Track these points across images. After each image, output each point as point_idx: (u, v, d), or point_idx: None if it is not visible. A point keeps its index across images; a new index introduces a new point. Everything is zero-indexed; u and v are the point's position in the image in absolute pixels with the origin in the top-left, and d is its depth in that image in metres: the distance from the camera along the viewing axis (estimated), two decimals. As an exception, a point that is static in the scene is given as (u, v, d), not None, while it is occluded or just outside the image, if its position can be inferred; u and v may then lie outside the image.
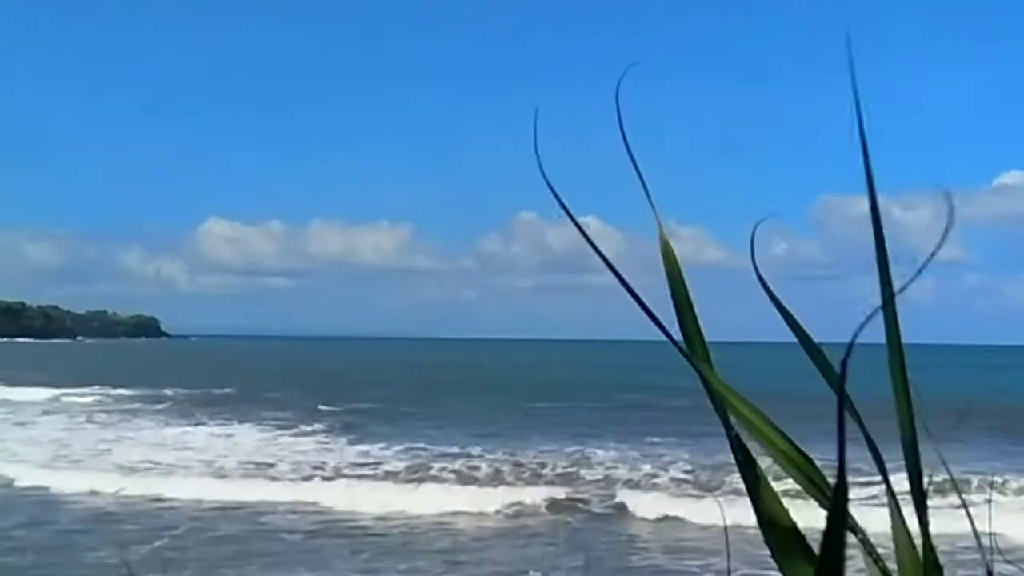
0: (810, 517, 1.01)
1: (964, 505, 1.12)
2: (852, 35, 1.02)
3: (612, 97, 1.08)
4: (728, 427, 1.02)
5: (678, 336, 1.06)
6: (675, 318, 1.07)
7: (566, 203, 1.07)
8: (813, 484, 0.99)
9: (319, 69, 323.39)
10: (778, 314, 1.07)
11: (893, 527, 0.97)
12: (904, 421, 0.98)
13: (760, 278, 1.06)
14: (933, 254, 0.87)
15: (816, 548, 0.98)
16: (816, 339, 1.06)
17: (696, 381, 1.04)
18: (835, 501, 0.76)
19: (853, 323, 0.89)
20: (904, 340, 0.98)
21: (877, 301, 0.94)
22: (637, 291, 1.04)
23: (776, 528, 0.99)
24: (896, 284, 0.95)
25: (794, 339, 1.06)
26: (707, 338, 1.08)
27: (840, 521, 0.75)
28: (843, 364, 0.82)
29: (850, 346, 0.81)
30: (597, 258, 1.06)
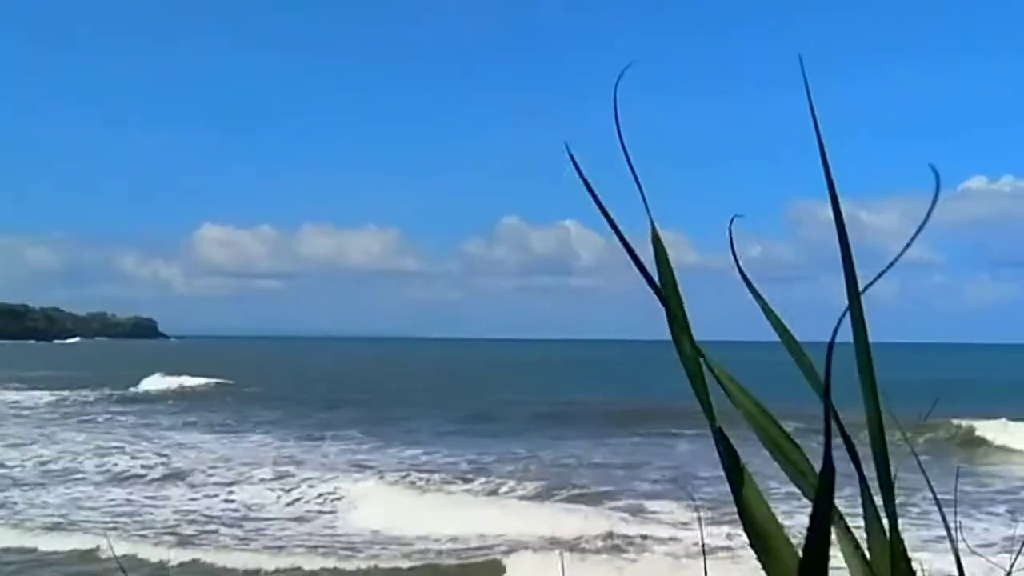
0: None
1: (934, 493, 1.12)
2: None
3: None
4: (712, 419, 1.02)
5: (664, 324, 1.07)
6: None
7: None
8: (798, 471, 0.99)
9: (310, 78, 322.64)
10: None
11: (865, 516, 0.97)
12: (871, 415, 0.98)
13: (743, 274, 1.07)
14: (907, 245, 0.87)
15: (796, 543, 0.98)
16: (795, 335, 1.06)
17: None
18: (821, 485, 0.75)
19: (822, 320, 0.89)
20: (871, 339, 0.98)
21: (844, 300, 0.95)
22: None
23: (757, 521, 0.99)
24: (860, 285, 0.95)
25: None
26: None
27: (826, 506, 0.75)
28: (828, 358, 0.82)
29: (832, 341, 0.81)
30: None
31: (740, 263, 1.08)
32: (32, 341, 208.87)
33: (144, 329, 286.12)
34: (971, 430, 32.27)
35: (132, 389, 56.06)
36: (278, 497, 22.46)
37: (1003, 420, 32.97)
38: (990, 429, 32.44)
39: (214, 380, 59.36)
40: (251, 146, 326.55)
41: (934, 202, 0.88)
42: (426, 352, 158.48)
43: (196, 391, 55.76)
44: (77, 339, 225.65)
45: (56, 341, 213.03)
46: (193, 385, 57.84)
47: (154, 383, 58.67)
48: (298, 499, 22.28)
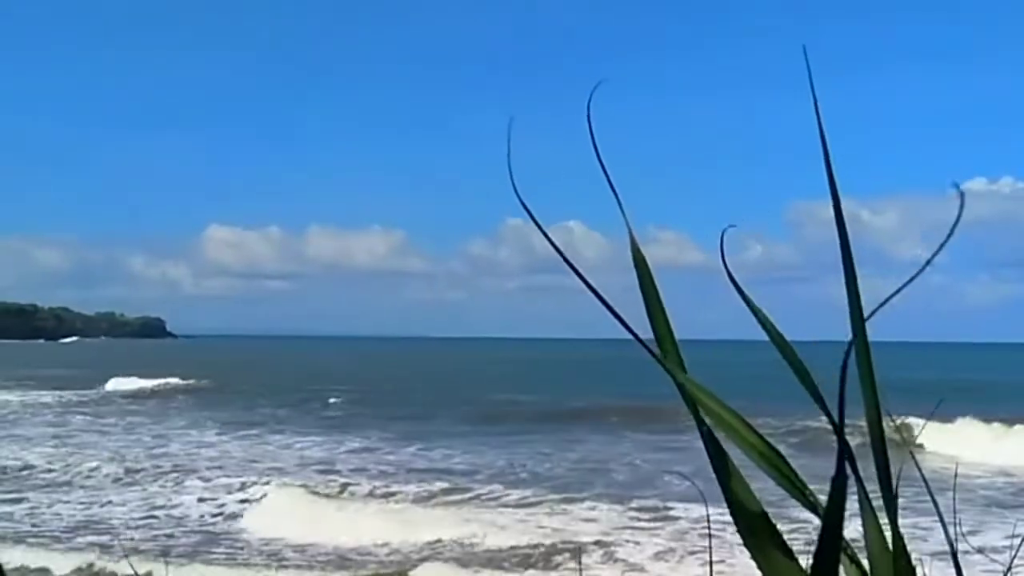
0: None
1: (928, 488, 1.12)
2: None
3: (594, 106, 1.08)
4: (700, 422, 1.02)
5: (650, 335, 1.06)
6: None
7: (535, 215, 1.07)
8: (786, 479, 0.99)
9: (316, 81, 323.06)
10: (750, 314, 1.07)
11: (863, 517, 0.97)
12: (871, 416, 0.98)
13: (732, 279, 1.06)
14: (921, 270, 0.86)
15: (785, 535, 0.98)
16: (785, 335, 1.06)
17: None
18: (833, 491, 0.75)
19: (824, 321, 0.88)
20: (873, 338, 0.98)
21: (845, 301, 0.94)
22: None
23: (749, 519, 0.99)
24: (861, 284, 0.94)
25: (764, 337, 1.06)
26: (682, 336, 1.08)
27: (836, 521, 0.75)
28: (843, 367, 0.81)
29: (846, 358, 0.80)
30: (581, 261, 1.06)
31: (730, 268, 1.07)
32: (41, 340, 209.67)
33: (152, 329, 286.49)
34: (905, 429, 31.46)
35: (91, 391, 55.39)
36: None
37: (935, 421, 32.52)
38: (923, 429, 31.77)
39: (184, 381, 58.55)
40: (258, 148, 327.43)
41: (957, 219, 0.88)
42: (431, 351, 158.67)
43: (158, 392, 54.99)
44: (76, 338, 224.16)
45: (61, 340, 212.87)
46: (154, 386, 56.76)
47: (119, 384, 57.95)
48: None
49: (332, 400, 48.36)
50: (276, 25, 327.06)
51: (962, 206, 0.89)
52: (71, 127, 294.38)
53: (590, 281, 1.04)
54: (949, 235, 0.87)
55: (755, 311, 1.07)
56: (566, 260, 1.06)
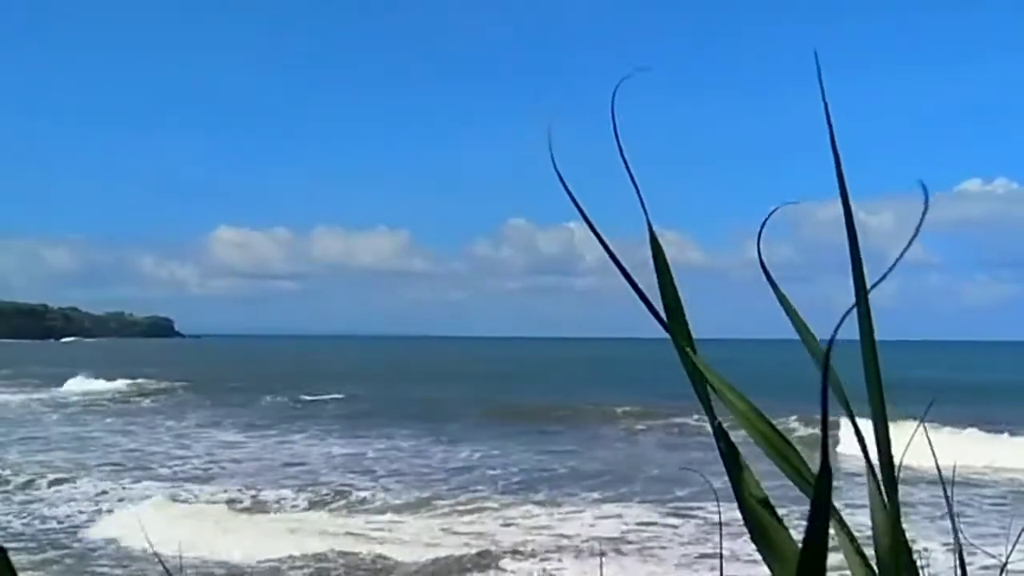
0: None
1: (943, 484, 1.11)
2: (826, 51, 1.01)
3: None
4: (711, 415, 1.02)
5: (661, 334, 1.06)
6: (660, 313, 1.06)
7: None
8: (792, 467, 0.99)
9: (322, 85, 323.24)
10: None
11: (872, 509, 0.97)
12: (876, 411, 0.98)
13: (766, 271, 1.06)
14: (906, 249, 0.86)
15: (795, 534, 0.98)
16: (775, 334, 1.06)
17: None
18: (819, 485, 0.75)
19: (822, 320, 0.88)
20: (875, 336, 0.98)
21: (844, 299, 0.94)
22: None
23: (757, 515, 0.99)
24: (866, 284, 0.94)
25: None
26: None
27: (824, 503, 0.75)
28: (827, 351, 0.81)
29: (833, 336, 0.81)
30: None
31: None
32: (51, 340, 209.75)
33: (161, 328, 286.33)
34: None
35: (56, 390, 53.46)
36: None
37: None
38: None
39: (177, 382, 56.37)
40: (265, 150, 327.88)
41: (923, 214, 0.88)
42: (436, 350, 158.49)
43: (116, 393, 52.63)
44: (74, 338, 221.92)
45: (62, 340, 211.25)
46: (110, 388, 54.00)
47: (78, 385, 55.51)
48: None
49: (335, 396, 48.21)
50: (283, 26, 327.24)
51: (927, 202, 0.89)
52: (80, 128, 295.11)
53: (635, 280, 1.03)
54: (917, 230, 0.87)
55: (787, 309, 1.06)
56: (615, 260, 1.05)
